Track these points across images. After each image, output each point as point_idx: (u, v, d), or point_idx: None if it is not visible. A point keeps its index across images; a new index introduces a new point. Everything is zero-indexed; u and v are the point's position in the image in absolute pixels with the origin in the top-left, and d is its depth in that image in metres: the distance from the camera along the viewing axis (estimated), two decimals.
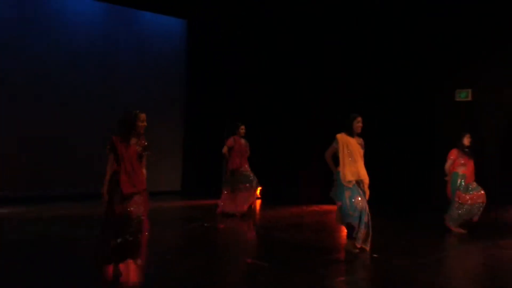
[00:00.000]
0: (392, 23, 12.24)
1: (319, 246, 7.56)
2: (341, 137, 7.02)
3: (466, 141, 8.87)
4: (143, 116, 5.56)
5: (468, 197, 8.76)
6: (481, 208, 8.79)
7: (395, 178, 12.11)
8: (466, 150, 8.86)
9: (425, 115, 12.04)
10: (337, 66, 12.52)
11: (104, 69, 12.85)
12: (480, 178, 8.94)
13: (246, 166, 10.22)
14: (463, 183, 8.79)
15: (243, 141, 10.23)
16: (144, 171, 5.61)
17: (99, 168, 11.86)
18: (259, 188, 10.58)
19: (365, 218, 6.77)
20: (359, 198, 6.82)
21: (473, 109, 11.34)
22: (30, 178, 11.71)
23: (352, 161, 6.94)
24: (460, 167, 8.82)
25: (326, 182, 12.00)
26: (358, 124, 7.02)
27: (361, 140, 7.16)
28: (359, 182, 6.94)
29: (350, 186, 6.88)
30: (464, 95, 11.51)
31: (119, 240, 5.25)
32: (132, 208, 5.37)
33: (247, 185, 10.14)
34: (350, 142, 7.00)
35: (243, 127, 10.21)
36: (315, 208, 11.83)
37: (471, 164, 8.85)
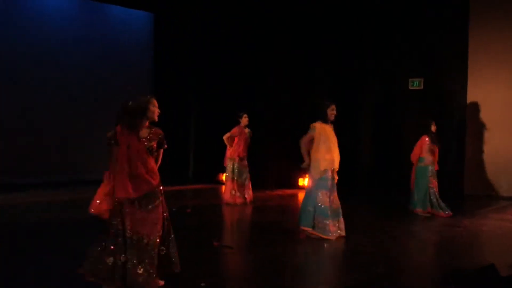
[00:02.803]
0: (350, 17, 12.52)
1: (281, 227, 7.83)
2: (318, 125, 6.93)
3: (434, 128, 9.05)
4: (155, 101, 4.70)
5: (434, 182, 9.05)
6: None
7: (357, 162, 12.52)
8: (433, 136, 9.05)
9: (383, 102, 12.46)
10: (299, 58, 12.74)
11: (74, 61, 12.87)
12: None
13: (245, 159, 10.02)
14: (433, 169, 9.03)
15: (247, 130, 9.97)
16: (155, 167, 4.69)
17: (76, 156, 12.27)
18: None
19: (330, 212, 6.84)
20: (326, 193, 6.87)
21: (425, 97, 11.80)
22: (16, 166, 11.88)
23: (328, 149, 6.89)
24: (428, 154, 9.00)
25: (289, 168, 12.64)
26: (332, 111, 6.93)
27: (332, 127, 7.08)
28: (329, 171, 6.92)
29: (319, 176, 6.87)
30: (416, 83, 11.97)
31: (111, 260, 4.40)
32: (130, 225, 4.44)
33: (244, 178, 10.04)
34: (326, 129, 6.93)
35: (245, 115, 9.86)
36: (279, 192, 12.17)
37: (437, 150, 9.09)
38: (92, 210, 4.60)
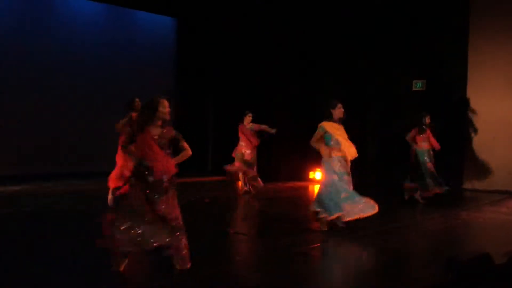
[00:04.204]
0: (359, 22, 12.50)
1: (293, 217, 7.86)
2: (325, 124, 6.80)
3: (427, 120, 9.48)
4: (166, 102, 4.67)
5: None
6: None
7: (363, 157, 12.62)
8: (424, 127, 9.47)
9: (388, 102, 12.51)
10: (309, 59, 12.88)
11: (100, 64, 13.00)
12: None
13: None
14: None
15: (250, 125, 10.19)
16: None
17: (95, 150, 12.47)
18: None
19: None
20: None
21: (427, 97, 11.77)
22: (40, 157, 12.04)
23: (336, 145, 6.79)
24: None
25: (301, 162, 12.77)
26: (339, 110, 6.82)
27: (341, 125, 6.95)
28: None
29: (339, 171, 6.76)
30: (419, 85, 11.96)
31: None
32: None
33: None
34: (333, 127, 6.82)
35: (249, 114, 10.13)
36: (291, 184, 12.21)
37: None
38: None
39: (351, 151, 6.84)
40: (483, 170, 11.43)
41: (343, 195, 6.73)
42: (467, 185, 11.58)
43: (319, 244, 6.36)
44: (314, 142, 6.84)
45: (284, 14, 12.88)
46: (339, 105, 6.85)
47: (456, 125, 11.71)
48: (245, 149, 10.13)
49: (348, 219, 6.74)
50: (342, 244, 6.52)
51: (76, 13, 12.80)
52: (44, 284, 4.54)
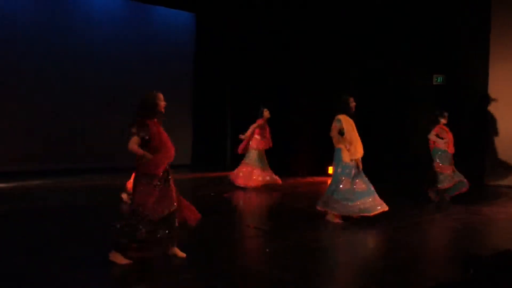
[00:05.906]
0: (378, 16, 12.29)
1: (312, 213, 7.69)
2: (343, 117, 6.96)
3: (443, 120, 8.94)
4: (161, 95, 5.02)
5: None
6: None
7: (383, 152, 12.31)
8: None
9: (407, 97, 12.25)
10: (327, 53, 12.68)
11: (118, 59, 12.98)
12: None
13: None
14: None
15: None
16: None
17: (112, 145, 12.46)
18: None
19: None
20: (359, 180, 6.94)
21: (448, 92, 11.49)
22: (58, 153, 12.06)
23: (350, 140, 6.90)
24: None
25: (320, 156, 12.64)
26: (352, 104, 7.04)
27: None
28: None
29: (352, 164, 6.90)
30: (440, 79, 11.68)
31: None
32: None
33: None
34: (349, 121, 6.99)
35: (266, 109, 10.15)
36: (310, 179, 12.14)
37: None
38: None
39: (360, 150, 7.00)
40: (505, 165, 11.15)
41: (345, 193, 6.90)
42: (490, 181, 11.30)
43: (337, 240, 6.30)
44: (334, 135, 6.99)
45: (304, 7, 12.73)
46: (351, 99, 7.09)
47: (477, 120, 11.43)
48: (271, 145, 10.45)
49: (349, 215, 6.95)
50: (361, 239, 6.44)
51: (94, 8, 12.80)
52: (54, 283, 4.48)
